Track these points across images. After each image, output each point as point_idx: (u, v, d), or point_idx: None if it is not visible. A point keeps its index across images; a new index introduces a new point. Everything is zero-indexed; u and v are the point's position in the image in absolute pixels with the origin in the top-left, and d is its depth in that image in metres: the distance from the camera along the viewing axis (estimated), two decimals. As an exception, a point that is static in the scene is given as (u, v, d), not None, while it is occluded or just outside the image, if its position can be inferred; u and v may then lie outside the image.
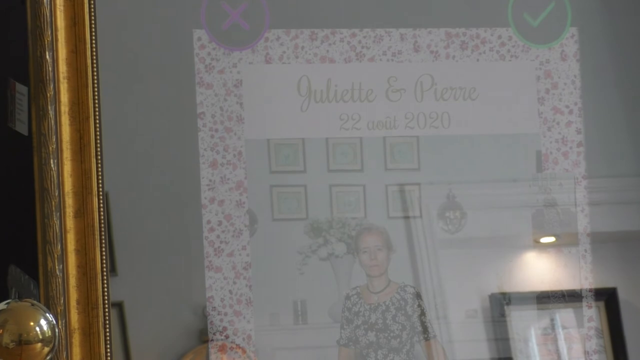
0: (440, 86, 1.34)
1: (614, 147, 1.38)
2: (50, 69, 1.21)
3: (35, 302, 1.09)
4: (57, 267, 1.17)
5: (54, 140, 1.18)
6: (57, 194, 1.17)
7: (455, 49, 1.33)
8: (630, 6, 1.38)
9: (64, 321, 1.16)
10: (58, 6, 1.21)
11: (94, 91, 1.20)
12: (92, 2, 1.19)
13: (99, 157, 1.18)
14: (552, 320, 1.34)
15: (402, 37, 1.31)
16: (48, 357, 1.06)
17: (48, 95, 1.18)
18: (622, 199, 1.37)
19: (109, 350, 1.18)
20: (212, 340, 1.22)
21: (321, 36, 1.28)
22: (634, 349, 1.36)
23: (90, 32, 1.19)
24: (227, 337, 1.23)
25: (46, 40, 1.18)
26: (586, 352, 1.34)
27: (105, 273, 1.18)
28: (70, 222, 1.17)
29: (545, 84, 1.37)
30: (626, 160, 1.38)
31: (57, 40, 1.18)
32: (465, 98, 1.34)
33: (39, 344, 1.01)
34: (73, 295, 1.18)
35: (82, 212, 1.17)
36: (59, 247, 1.17)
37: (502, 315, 1.34)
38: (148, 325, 1.27)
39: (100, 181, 1.19)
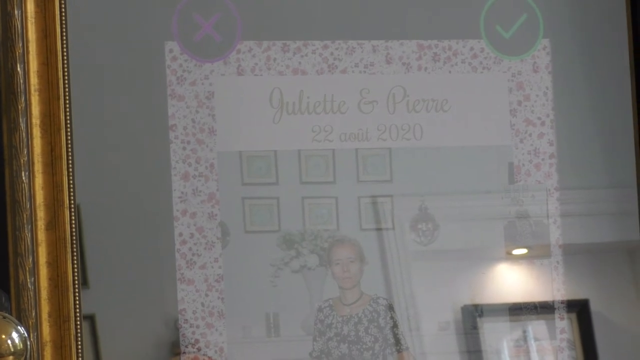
0: (412, 98, 1.32)
1: (586, 159, 1.37)
2: (21, 81, 1.19)
3: (6, 314, 1.09)
4: (28, 279, 1.16)
5: (25, 152, 1.17)
6: (28, 206, 1.16)
7: (428, 61, 1.32)
8: (602, 18, 1.36)
9: (35, 334, 1.15)
10: (29, 18, 1.19)
11: (65, 103, 1.19)
12: (63, 14, 1.17)
13: (71, 170, 1.18)
14: (524, 332, 1.33)
15: (374, 48, 1.30)
16: None
17: (19, 107, 1.17)
18: (594, 210, 1.36)
19: None
20: (184, 352, 1.21)
21: (293, 48, 1.28)
22: (608, 356, 1.35)
23: (62, 44, 1.18)
24: (199, 349, 1.21)
25: (17, 53, 1.17)
26: None
27: (76, 286, 1.17)
28: (41, 235, 1.17)
29: (517, 96, 1.36)
30: (598, 172, 1.37)
31: (28, 52, 1.17)
32: (437, 110, 1.33)
33: (11, 357, 1.01)
34: (45, 308, 1.17)
35: (53, 224, 1.17)
36: (31, 259, 1.16)
37: (475, 327, 1.32)
38: (120, 338, 1.25)
39: (71, 194, 1.18)
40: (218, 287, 1.22)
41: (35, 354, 1.16)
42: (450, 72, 1.33)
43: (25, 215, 1.14)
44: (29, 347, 1.04)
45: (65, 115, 1.17)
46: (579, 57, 1.38)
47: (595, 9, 1.39)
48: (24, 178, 1.15)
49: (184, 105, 1.24)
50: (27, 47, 1.17)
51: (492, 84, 1.35)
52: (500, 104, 1.34)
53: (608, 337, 1.35)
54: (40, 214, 1.16)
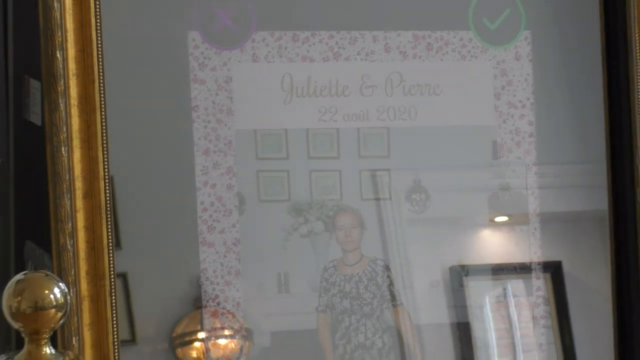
0: (408, 83, 1.33)
1: (561, 137, 1.40)
2: (60, 66, 1.20)
3: (49, 273, 1.09)
4: (68, 242, 1.20)
5: (64, 130, 1.19)
6: (67, 178, 1.19)
7: (422, 50, 1.34)
8: (577, 11, 1.41)
9: (74, 290, 1.20)
10: (67, 10, 1.19)
11: (100, 86, 1.19)
12: (97, 7, 1.19)
13: (105, 145, 1.20)
14: (504, 289, 1.38)
15: (375, 38, 1.31)
16: (61, 321, 1.06)
17: (59, 90, 1.20)
18: (568, 183, 1.39)
19: (114, 315, 1.21)
20: (205, 306, 1.26)
21: (302, 38, 1.28)
22: (576, 314, 1.40)
23: (96, 33, 1.19)
24: (218, 304, 1.26)
25: (57, 41, 1.18)
26: (534, 318, 1.39)
27: (110, 247, 1.21)
28: (79, 203, 1.21)
29: (501, 82, 1.37)
30: (572, 149, 1.41)
31: (66, 40, 1.19)
32: (430, 94, 1.34)
33: (53, 310, 0.99)
34: (82, 267, 1.23)
35: (90, 194, 1.21)
36: (70, 224, 1.20)
37: (461, 285, 1.36)
38: (149, 294, 1.28)
39: (105, 166, 1.20)
40: (235, 249, 1.27)
41: (75, 308, 1.19)
42: (442, 60, 1.35)
43: (64, 186, 1.19)
44: (69, 301, 1.03)
45: (100, 97, 1.20)
46: (557, 47, 1.40)
47: (571, 4, 1.43)
48: (63, 153, 1.17)
49: (205, 88, 1.26)
50: (66, 36, 1.20)
51: (479, 71, 1.38)
52: (486, 89, 1.37)
53: (578, 294, 1.40)
54: (78, 184, 1.20)
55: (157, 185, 1.29)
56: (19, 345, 1.11)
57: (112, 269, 1.24)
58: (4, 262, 1.46)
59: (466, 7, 1.37)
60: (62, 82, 1.22)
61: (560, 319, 1.42)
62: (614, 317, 1.42)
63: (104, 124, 1.22)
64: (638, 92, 1.39)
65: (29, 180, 1.33)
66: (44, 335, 1.04)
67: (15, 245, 1.44)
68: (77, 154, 1.23)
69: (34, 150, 1.30)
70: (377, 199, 1.37)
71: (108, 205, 1.24)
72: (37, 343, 1.04)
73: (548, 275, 1.42)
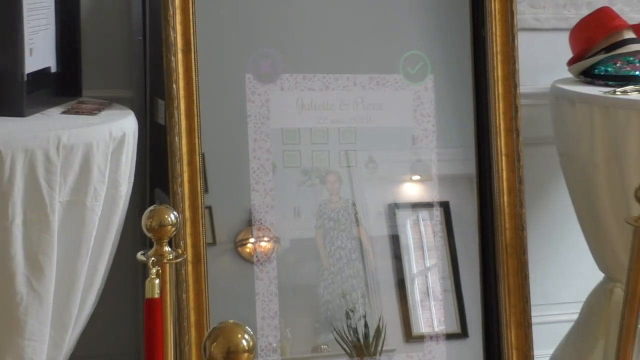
0: (365, 103, 1.73)
1: (450, 133, 1.81)
2: (175, 93, 1.55)
3: (168, 206, 1.37)
4: (178, 189, 1.56)
5: (177, 127, 1.56)
6: (178, 153, 1.55)
7: (373, 84, 1.73)
8: (458, 62, 1.79)
9: (181, 215, 1.52)
10: (179, 60, 1.54)
11: (197, 104, 1.55)
12: (196, 59, 1.56)
13: (199, 135, 1.56)
14: (417, 216, 1.79)
15: (348, 78, 1.71)
16: (173, 231, 1.24)
17: (174, 105, 1.56)
18: (453, 157, 1.81)
19: (204, 229, 1.58)
20: (254, 224, 1.64)
21: (308, 77, 1.67)
22: (457, 231, 1.79)
23: (195, 74, 1.55)
24: (261, 222, 1.64)
25: (173, 78, 1.53)
26: (434, 232, 1.78)
27: (202, 192, 1.59)
28: (185, 167, 1.57)
29: (417, 102, 1.76)
30: (455, 138, 1.81)
31: (178, 77, 1.54)
32: (378, 109, 1.74)
33: (169, 226, 1.23)
34: (187, 203, 1.57)
35: (191, 162, 1.57)
36: (180, 179, 1.56)
37: (394, 214, 1.77)
38: (223, 217, 1.65)
39: (200, 147, 1.56)
40: (272, 194, 1.65)
41: (182, 225, 1.53)
42: (384, 90, 1.73)
43: (176, 158, 1.54)
44: (179, 221, 1.31)
45: (197, 110, 1.55)
46: (447, 83, 1.79)
47: (454, 60, 1.80)
48: (176, 140, 1.54)
49: (254, 105, 1.64)
50: (178, 75, 1.55)
51: (405, 96, 1.76)
52: (409, 106, 1.76)
53: (457, 219, 1.82)
54: (184, 157, 1.56)
55: (227, 157, 1.66)
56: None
57: (202, 204, 1.59)
58: (142, 200, 1.78)
59: (398, 61, 1.73)
60: (176, 102, 1.56)
61: (448, 232, 1.81)
62: (478, 233, 1.80)
63: (199, 124, 1.57)
64: (493, 108, 1.74)
65: (160, 153, 1.66)
66: (164, 241, 1.24)
67: (149, 191, 1.81)
68: (184, 141, 1.58)
69: (160, 137, 1.65)
70: (349, 166, 1.74)
71: (201, 169, 1.58)
72: (160, 244, 1.24)
73: (442, 209, 1.80)
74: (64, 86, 1.67)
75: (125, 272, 1.82)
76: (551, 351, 2.09)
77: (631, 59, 1.86)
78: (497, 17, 1.74)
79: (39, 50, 1.56)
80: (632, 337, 1.54)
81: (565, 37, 1.98)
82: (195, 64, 1.58)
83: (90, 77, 1.73)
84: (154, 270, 1.23)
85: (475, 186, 1.80)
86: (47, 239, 1.41)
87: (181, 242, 1.57)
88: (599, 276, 1.97)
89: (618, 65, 1.85)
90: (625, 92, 1.78)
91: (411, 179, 1.82)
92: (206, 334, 0.75)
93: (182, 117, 1.59)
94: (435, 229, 1.78)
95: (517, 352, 1.76)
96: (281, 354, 1.67)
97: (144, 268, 1.31)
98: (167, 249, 1.27)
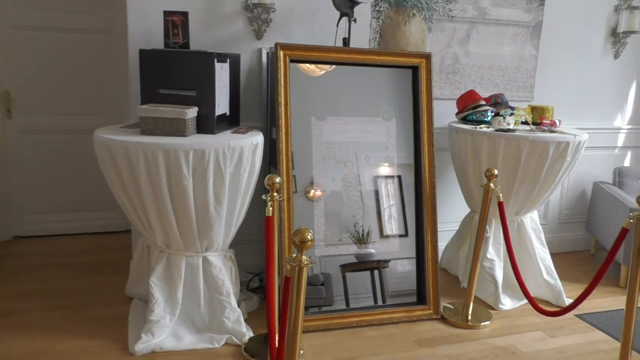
0: (364, 130, 2.89)
1: (402, 143, 2.80)
2: (281, 123, 2.80)
3: (276, 174, 2.28)
4: (281, 167, 2.78)
5: (283, 139, 2.80)
6: (281, 153, 2.76)
7: (366, 124, 2.83)
8: (406, 114, 2.88)
9: (281, 178, 2.46)
10: (282, 110, 2.73)
11: (289, 131, 2.80)
12: (287, 94, 2.91)
13: (290, 143, 2.80)
14: (386, 182, 2.85)
15: (347, 121, 2.82)
16: (278, 186, 2.10)
17: (280, 130, 2.81)
18: (405, 155, 2.85)
19: (290, 185, 2.79)
20: (313, 183, 2.85)
21: (337, 119, 2.90)
22: (406, 192, 2.84)
23: (289, 116, 2.88)
24: (315, 183, 2.83)
25: (279, 116, 2.80)
26: (394, 189, 2.85)
27: (290, 169, 2.81)
28: (283, 158, 2.73)
29: (387, 133, 2.87)
30: (405, 144, 2.82)
31: (281, 117, 2.80)
32: (369, 133, 2.86)
33: (276, 184, 2.20)
34: (284, 173, 2.76)
35: (284, 154, 2.73)
36: (282, 162, 2.76)
37: (376, 182, 2.83)
38: (300, 181, 2.84)
39: (288, 147, 2.81)
40: (322, 170, 2.86)
41: (283, 183, 2.66)
42: (373, 124, 2.89)
43: (280, 153, 2.81)
44: (281, 181, 2.20)
45: (286, 127, 2.87)
46: (403, 122, 2.85)
47: (406, 112, 2.82)
48: (282, 145, 2.79)
49: (315, 130, 2.91)
50: (283, 108, 2.84)
51: (382, 128, 2.89)
52: (384, 132, 2.91)
53: (406, 185, 2.88)
54: (283, 153, 2.81)
55: (303, 154, 2.87)
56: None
57: (290, 174, 2.75)
58: (265, 171, 2.98)
59: (379, 111, 2.86)
60: (282, 129, 2.83)
61: (400, 189, 2.92)
62: (414, 190, 2.87)
63: (290, 139, 2.82)
64: (422, 134, 2.91)
65: (273, 151, 2.89)
66: (274, 189, 2.16)
67: (267, 167, 3.11)
68: (283, 146, 2.75)
69: (272, 144, 2.92)
70: (357, 159, 2.87)
71: (290, 158, 2.81)
72: (272, 191, 2.16)
73: (398, 179, 2.93)
74: (231, 121, 2.96)
75: (257, 204, 2.93)
76: (446, 243, 3.52)
77: (483, 112, 3.37)
78: (425, 92, 3.03)
79: (221, 104, 2.77)
80: (481, 238, 3.23)
81: (453, 103, 3.43)
82: (288, 111, 2.81)
83: (243, 116, 3.00)
84: (269, 204, 2.01)
85: (413, 169, 2.95)
86: (222, 189, 2.46)
87: (282, 191, 2.57)
88: (467, 210, 3.43)
89: (477, 115, 3.34)
90: (481, 127, 3.23)
91: (384, 164, 2.92)
92: (292, 232, 1.20)
93: (283, 135, 2.74)
94: (395, 188, 2.93)
95: (431, 245, 3.10)
96: (325, 242, 2.90)
97: (265, 202, 2.13)
98: (275, 194, 2.06)
